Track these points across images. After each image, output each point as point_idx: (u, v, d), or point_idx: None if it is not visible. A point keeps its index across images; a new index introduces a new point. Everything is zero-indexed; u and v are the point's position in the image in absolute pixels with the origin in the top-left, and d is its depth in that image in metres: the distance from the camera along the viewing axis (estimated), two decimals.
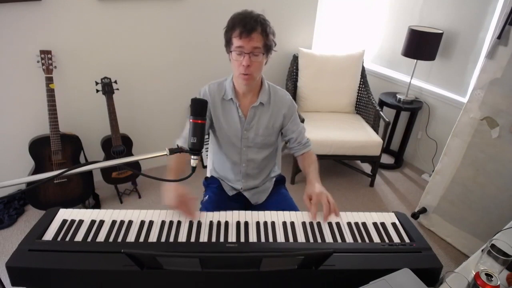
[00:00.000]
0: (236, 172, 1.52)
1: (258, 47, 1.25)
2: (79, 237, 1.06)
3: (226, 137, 1.44)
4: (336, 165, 3.12)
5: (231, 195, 1.58)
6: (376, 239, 1.13)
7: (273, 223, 1.17)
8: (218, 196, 1.54)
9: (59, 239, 1.05)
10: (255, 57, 1.26)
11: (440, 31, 2.63)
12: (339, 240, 1.11)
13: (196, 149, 0.98)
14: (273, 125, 1.45)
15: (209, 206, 1.46)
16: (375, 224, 1.20)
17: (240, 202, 1.58)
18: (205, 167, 2.89)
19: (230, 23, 1.26)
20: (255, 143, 1.45)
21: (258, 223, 1.17)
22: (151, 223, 1.14)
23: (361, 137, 2.66)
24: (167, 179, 0.99)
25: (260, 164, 1.52)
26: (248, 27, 1.21)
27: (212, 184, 1.61)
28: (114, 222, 1.13)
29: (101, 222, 1.13)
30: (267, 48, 1.28)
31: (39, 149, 2.09)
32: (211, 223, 1.16)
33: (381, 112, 2.77)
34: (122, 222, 1.13)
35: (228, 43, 1.29)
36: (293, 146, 1.53)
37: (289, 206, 1.51)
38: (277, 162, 1.67)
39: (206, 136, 1.45)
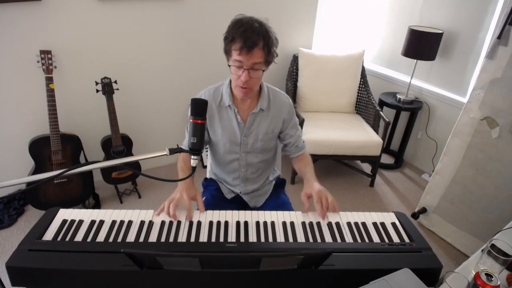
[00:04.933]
0: (235, 176, 1.51)
1: (259, 62, 1.20)
2: (79, 237, 1.06)
3: (224, 144, 1.42)
4: (336, 165, 3.11)
5: (230, 198, 1.56)
6: (376, 239, 1.13)
7: (272, 223, 1.17)
8: (216, 199, 1.54)
9: (59, 239, 1.05)
10: (255, 72, 1.21)
11: (440, 31, 2.63)
12: (338, 240, 1.12)
13: (196, 149, 0.98)
14: (273, 130, 1.43)
15: (205, 207, 1.45)
16: (375, 224, 1.20)
17: (237, 205, 1.57)
18: (205, 167, 2.89)
19: (231, 33, 1.18)
20: (255, 148, 1.43)
21: (258, 223, 1.17)
22: (151, 223, 1.14)
23: (361, 137, 2.66)
24: (167, 179, 0.99)
25: (260, 168, 1.50)
26: (249, 43, 1.14)
27: (211, 186, 1.60)
28: (114, 222, 1.13)
29: (101, 222, 1.13)
30: (268, 63, 1.24)
31: (39, 149, 2.09)
32: (211, 223, 1.16)
33: (381, 112, 2.77)
34: (122, 222, 1.13)
35: (227, 53, 1.23)
36: (290, 149, 1.52)
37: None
38: (276, 164, 1.66)
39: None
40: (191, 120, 0.97)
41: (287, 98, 1.46)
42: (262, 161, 1.48)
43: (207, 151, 1.57)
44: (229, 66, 1.26)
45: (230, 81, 1.37)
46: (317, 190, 1.26)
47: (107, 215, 1.16)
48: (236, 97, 1.36)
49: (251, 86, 1.25)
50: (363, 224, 1.20)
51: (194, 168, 1.01)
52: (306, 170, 1.42)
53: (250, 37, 1.15)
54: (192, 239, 1.08)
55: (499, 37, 1.77)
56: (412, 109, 2.90)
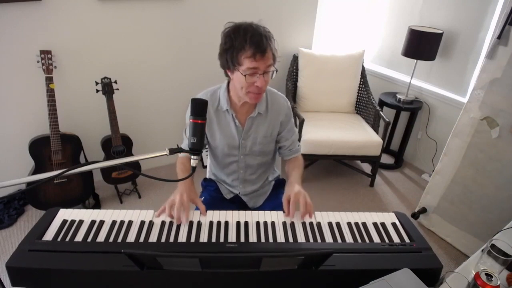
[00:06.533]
0: (234, 178, 1.51)
1: (271, 64, 1.21)
2: (79, 237, 1.06)
3: (223, 147, 1.41)
4: (336, 165, 3.11)
5: (229, 198, 1.56)
6: (376, 239, 1.13)
7: (273, 223, 1.17)
8: (214, 199, 1.54)
9: (59, 239, 1.05)
10: (267, 74, 1.21)
11: (440, 31, 2.63)
12: (339, 240, 1.12)
13: (196, 149, 0.98)
14: (271, 134, 1.42)
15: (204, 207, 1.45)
16: (375, 224, 1.20)
17: (236, 205, 1.57)
18: (205, 167, 2.89)
19: (237, 42, 1.15)
20: (253, 151, 1.43)
21: (258, 223, 1.17)
22: (151, 223, 1.14)
23: (361, 137, 2.66)
24: (167, 179, 0.99)
25: (258, 169, 1.50)
26: (262, 47, 1.14)
27: (210, 187, 1.60)
28: (114, 222, 1.13)
29: (101, 222, 1.13)
30: (275, 60, 1.24)
31: (39, 149, 2.09)
32: (211, 223, 1.16)
33: (381, 112, 2.77)
34: (122, 222, 1.13)
35: (233, 63, 1.19)
36: (283, 152, 1.52)
37: None
38: (276, 164, 1.66)
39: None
40: (191, 120, 0.97)
41: (286, 101, 1.45)
42: (261, 163, 1.48)
43: (207, 151, 1.57)
44: (230, 76, 1.26)
45: (228, 85, 1.36)
46: (295, 192, 1.25)
47: (107, 215, 1.16)
48: (235, 102, 1.35)
49: (264, 89, 1.26)
50: (364, 224, 1.20)
51: (194, 168, 1.01)
52: (293, 173, 1.41)
53: (261, 41, 1.14)
54: (192, 239, 1.08)
55: (499, 37, 1.77)
56: (412, 109, 2.90)
